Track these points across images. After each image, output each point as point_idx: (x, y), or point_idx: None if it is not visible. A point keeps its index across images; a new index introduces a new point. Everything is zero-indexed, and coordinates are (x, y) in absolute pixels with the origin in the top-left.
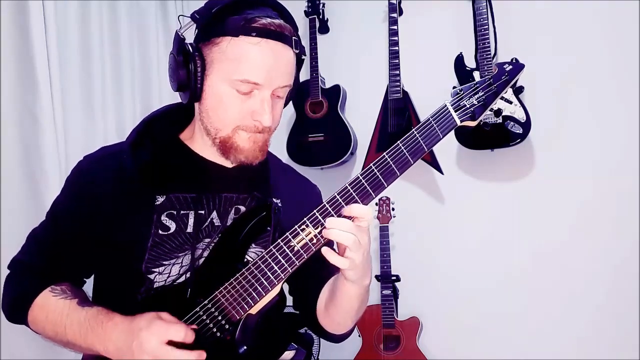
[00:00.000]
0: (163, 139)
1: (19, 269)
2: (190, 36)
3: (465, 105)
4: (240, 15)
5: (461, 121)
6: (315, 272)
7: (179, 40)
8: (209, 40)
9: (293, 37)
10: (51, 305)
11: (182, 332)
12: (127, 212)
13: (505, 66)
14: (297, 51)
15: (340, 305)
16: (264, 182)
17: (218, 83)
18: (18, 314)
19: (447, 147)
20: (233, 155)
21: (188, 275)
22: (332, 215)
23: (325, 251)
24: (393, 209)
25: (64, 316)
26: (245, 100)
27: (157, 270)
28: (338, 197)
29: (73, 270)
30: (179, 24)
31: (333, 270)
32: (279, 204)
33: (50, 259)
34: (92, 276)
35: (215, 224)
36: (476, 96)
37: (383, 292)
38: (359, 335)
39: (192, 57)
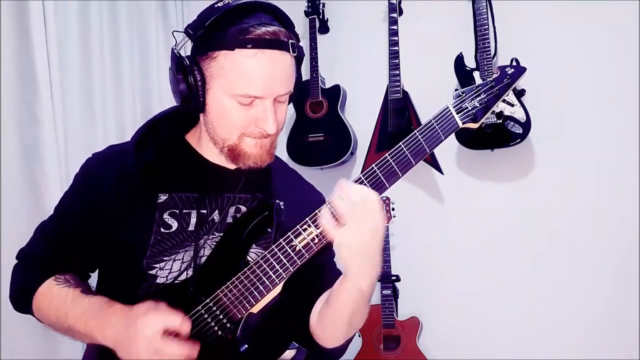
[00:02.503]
0: (167, 139)
1: (25, 259)
2: (188, 45)
3: (467, 108)
4: (235, 27)
5: (463, 123)
6: (310, 282)
7: (175, 56)
8: (206, 55)
9: (290, 41)
10: (54, 292)
11: (178, 320)
12: (129, 210)
13: (507, 69)
14: (294, 54)
15: (333, 307)
16: (266, 183)
17: (219, 96)
18: (23, 302)
19: (447, 147)
20: (242, 162)
21: (189, 272)
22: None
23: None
24: (393, 209)
25: (67, 302)
26: (247, 110)
27: (157, 266)
28: None
29: (77, 264)
30: (174, 38)
31: (329, 282)
32: (282, 205)
33: (55, 253)
34: (96, 271)
35: (215, 221)
36: (478, 98)
37: (383, 292)
38: (359, 336)
39: (191, 72)
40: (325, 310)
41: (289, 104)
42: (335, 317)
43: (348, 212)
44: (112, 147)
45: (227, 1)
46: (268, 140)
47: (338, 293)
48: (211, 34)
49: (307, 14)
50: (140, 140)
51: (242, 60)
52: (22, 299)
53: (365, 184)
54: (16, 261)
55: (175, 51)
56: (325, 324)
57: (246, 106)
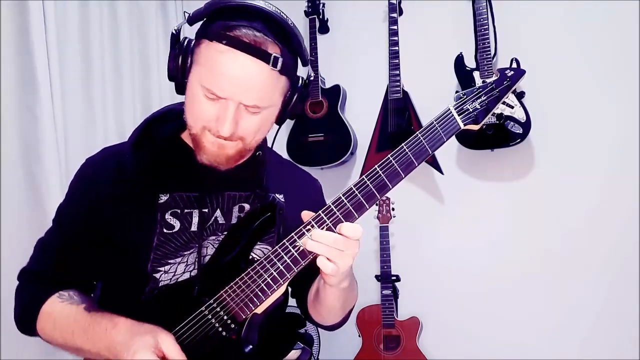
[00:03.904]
0: (163, 139)
1: (27, 278)
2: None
3: (468, 109)
4: (225, 21)
5: (464, 125)
6: (306, 268)
7: (172, 35)
8: (198, 41)
9: (273, 55)
10: (57, 311)
11: None
12: (130, 212)
13: (507, 71)
14: (276, 69)
15: (324, 303)
16: (265, 179)
17: (194, 82)
18: (28, 323)
19: (447, 147)
20: (200, 154)
21: (192, 273)
22: (338, 216)
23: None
24: (393, 209)
25: (71, 321)
26: (213, 105)
27: (162, 269)
28: (343, 198)
29: (80, 274)
30: (177, 20)
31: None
32: (282, 200)
33: (58, 264)
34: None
35: (220, 222)
36: (479, 100)
37: (383, 292)
38: (359, 335)
39: (181, 52)
40: (317, 303)
41: (279, 123)
42: (327, 309)
43: (334, 255)
44: (106, 149)
45: (239, 1)
46: (231, 145)
47: (325, 294)
48: (206, 23)
49: (307, 14)
50: (137, 141)
51: (213, 54)
52: (26, 320)
53: (367, 185)
54: (18, 282)
55: (174, 31)
56: (320, 312)
57: (213, 100)
